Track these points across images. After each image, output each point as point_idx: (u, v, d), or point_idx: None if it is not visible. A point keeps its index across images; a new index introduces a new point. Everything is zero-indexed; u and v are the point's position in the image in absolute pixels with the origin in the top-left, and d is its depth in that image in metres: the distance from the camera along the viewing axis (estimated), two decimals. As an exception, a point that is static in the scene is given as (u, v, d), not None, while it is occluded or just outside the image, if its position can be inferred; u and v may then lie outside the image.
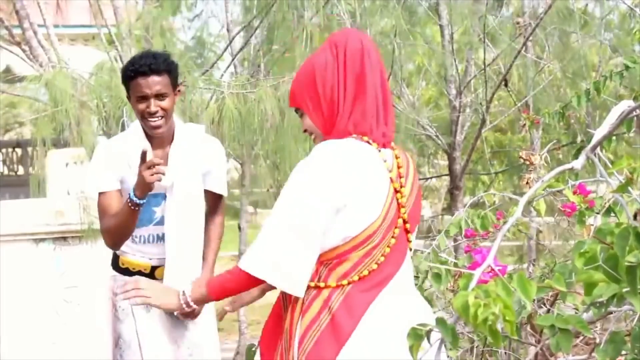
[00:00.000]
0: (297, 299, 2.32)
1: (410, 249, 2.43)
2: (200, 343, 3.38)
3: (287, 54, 6.26)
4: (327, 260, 2.30)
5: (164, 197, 3.34)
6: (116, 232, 3.27)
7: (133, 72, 3.25)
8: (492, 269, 1.44)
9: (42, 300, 5.52)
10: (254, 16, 6.32)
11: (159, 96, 3.24)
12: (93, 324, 5.55)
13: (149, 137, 3.34)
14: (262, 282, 2.31)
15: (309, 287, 2.30)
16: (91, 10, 6.22)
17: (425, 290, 2.71)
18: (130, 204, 3.18)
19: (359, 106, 2.34)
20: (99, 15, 6.28)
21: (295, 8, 5.68)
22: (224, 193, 3.52)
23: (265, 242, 2.27)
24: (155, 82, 3.23)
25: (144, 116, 3.26)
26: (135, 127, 3.40)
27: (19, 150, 14.00)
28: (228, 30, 6.54)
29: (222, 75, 6.37)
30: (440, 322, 1.47)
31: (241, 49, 6.39)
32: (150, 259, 3.37)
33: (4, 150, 14.33)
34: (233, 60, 6.27)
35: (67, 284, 5.65)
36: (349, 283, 2.29)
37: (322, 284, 2.29)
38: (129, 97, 3.34)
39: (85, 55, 8.71)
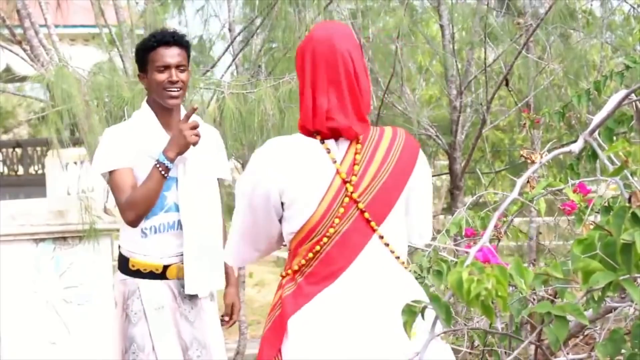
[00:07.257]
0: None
1: (382, 237, 2.37)
2: (207, 344, 3.34)
3: (288, 55, 6.26)
4: (289, 252, 2.43)
5: (175, 181, 3.23)
6: (142, 203, 3.13)
7: (156, 42, 3.22)
8: (488, 252, 1.43)
9: (42, 300, 5.51)
10: (255, 16, 6.32)
11: (180, 67, 3.22)
12: (93, 324, 5.55)
13: (158, 117, 3.27)
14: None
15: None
16: (93, 9, 6.21)
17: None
18: (160, 168, 3.10)
19: (305, 101, 2.38)
20: (100, 15, 6.27)
21: (297, 8, 5.68)
22: (229, 177, 3.53)
23: (230, 232, 2.56)
24: (177, 53, 3.23)
25: (164, 87, 3.20)
26: (140, 113, 3.32)
27: (18, 150, 14.01)
28: (230, 30, 6.53)
29: (223, 75, 6.36)
30: (434, 298, 1.48)
31: (242, 49, 6.38)
32: (161, 258, 3.26)
33: (4, 150, 14.34)
34: (234, 60, 6.26)
35: (67, 284, 5.63)
36: (294, 273, 2.38)
37: (284, 274, 2.43)
38: (143, 71, 3.27)
39: (85, 55, 8.73)
